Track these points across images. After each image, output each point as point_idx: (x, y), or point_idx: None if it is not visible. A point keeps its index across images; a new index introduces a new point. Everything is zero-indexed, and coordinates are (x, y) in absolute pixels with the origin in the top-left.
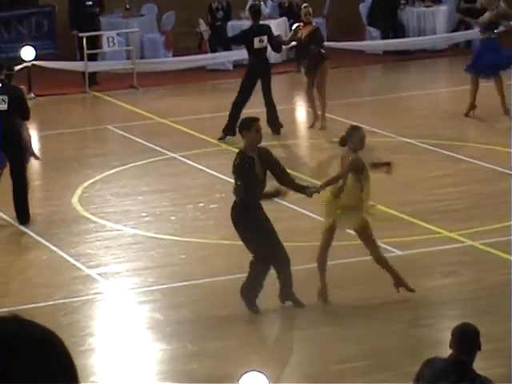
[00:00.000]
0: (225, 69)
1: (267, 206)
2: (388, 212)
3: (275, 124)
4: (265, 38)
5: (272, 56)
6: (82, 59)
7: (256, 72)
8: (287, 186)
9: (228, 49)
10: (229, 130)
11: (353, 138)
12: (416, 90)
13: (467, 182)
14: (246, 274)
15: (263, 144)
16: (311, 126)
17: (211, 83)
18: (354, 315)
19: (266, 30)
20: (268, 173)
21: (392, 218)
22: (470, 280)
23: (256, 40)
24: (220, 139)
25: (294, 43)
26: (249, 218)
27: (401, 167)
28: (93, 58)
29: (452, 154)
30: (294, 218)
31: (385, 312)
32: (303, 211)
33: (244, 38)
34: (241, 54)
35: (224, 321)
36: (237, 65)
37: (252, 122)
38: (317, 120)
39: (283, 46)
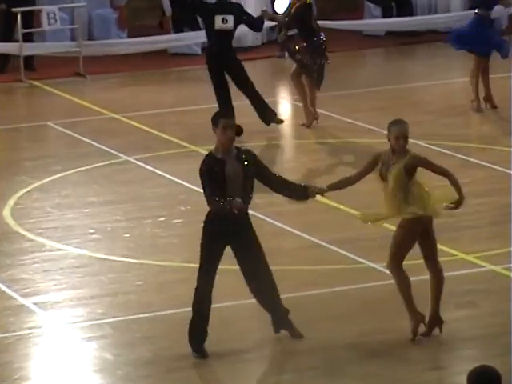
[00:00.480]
0: (191, 53)
1: None
2: (388, 229)
3: (266, 115)
4: (230, 17)
5: (249, 38)
6: (15, 40)
7: (217, 62)
8: (285, 193)
9: (195, 28)
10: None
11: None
12: (425, 79)
13: (487, 193)
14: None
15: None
16: (308, 126)
17: (175, 70)
18: (352, 355)
19: (234, 7)
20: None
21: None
22: (490, 312)
23: (218, 19)
24: None
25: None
26: (204, 231)
27: None
28: (29, 38)
29: (468, 159)
30: (274, 235)
31: (389, 352)
32: (285, 227)
33: (200, 14)
34: None
35: (189, 361)
36: (205, 48)
37: (220, 117)
38: (311, 115)
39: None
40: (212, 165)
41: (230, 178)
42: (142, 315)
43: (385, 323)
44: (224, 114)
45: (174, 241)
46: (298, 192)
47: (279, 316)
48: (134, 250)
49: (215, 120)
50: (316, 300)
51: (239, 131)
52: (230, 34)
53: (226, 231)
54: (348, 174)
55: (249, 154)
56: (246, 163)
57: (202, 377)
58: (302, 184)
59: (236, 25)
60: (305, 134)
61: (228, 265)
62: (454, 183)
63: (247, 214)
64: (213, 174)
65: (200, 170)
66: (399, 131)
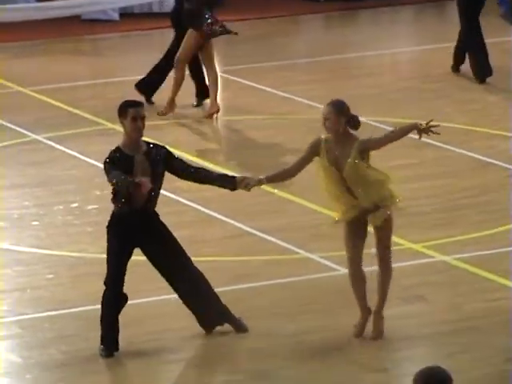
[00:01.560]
0: (108, 19)
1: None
2: (331, 216)
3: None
4: None
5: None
6: None
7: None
8: (207, 182)
9: None
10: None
11: None
12: (369, 49)
13: (437, 176)
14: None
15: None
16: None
17: (89, 38)
18: (289, 356)
19: None
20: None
21: (335, 225)
22: (441, 308)
23: None
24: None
25: None
26: (109, 236)
27: None
28: None
29: (416, 137)
30: (200, 222)
31: (329, 352)
32: (212, 213)
33: None
34: None
35: (105, 363)
36: (124, 14)
37: (128, 106)
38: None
39: None
40: (116, 159)
41: (137, 175)
42: (54, 312)
43: (324, 319)
44: (132, 102)
45: (88, 229)
46: (224, 181)
47: (219, 310)
48: (44, 239)
49: (120, 110)
50: (249, 295)
51: None
52: None
53: (134, 233)
54: (288, 155)
55: (161, 150)
56: (156, 161)
57: (118, 380)
58: (227, 175)
59: None
60: (233, 110)
61: (141, 255)
62: (400, 131)
63: (155, 212)
64: (111, 168)
65: (104, 163)
66: (323, 112)
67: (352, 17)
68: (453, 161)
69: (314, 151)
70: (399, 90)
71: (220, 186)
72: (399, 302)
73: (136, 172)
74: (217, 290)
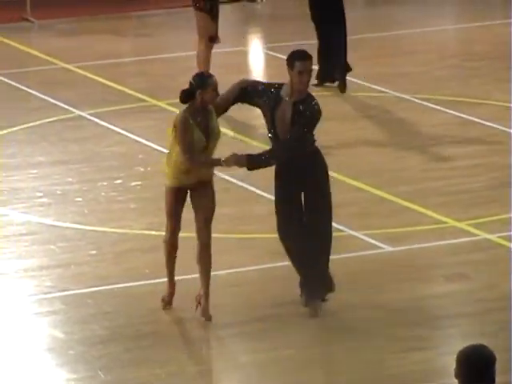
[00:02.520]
0: None
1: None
2: (375, 194)
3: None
4: None
5: None
6: None
7: None
8: None
9: None
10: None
11: None
12: (414, 26)
13: (483, 154)
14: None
15: None
16: None
17: (134, 15)
18: (328, 335)
19: None
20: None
21: (380, 202)
22: (483, 286)
23: None
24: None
25: None
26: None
27: (392, 132)
28: None
29: (462, 115)
30: (245, 200)
31: (368, 329)
32: (255, 190)
33: None
34: None
35: (149, 340)
36: None
37: (296, 59)
38: None
39: None
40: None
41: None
42: (96, 288)
43: (368, 297)
44: (301, 55)
45: (131, 206)
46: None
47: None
48: (87, 215)
49: (290, 61)
50: (292, 272)
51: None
52: None
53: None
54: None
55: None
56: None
57: (161, 356)
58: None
59: None
60: None
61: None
62: None
63: (316, 152)
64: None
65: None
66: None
67: None
68: (496, 138)
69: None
70: (444, 67)
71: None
72: (442, 280)
73: (277, 114)
74: (258, 267)
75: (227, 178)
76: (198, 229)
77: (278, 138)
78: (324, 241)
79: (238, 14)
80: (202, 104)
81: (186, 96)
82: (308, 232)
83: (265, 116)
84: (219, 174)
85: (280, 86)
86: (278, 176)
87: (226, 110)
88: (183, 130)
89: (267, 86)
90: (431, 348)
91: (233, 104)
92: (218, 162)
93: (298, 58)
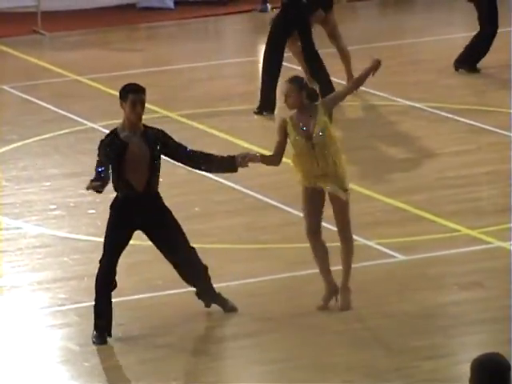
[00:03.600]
0: (163, 7)
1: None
2: (387, 203)
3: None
4: None
5: None
6: None
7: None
8: (205, 167)
9: None
10: (264, 103)
11: None
12: (425, 35)
13: (495, 161)
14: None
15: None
16: None
17: (144, 27)
18: (342, 344)
19: None
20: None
21: (392, 211)
22: (496, 294)
23: None
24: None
25: None
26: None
27: (404, 141)
28: None
29: (475, 123)
30: (257, 210)
31: (381, 338)
32: (269, 201)
33: None
34: None
35: (163, 352)
36: (179, 2)
37: (129, 91)
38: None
39: None
40: (108, 143)
41: (134, 159)
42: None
43: (381, 306)
44: (134, 88)
45: None
46: (224, 163)
47: (207, 289)
48: (100, 227)
49: (123, 94)
50: (305, 282)
51: None
52: None
53: (133, 216)
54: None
55: (157, 132)
56: (153, 144)
57: (177, 368)
58: (227, 155)
59: None
60: None
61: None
62: (357, 80)
63: (157, 194)
64: (103, 151)
65: (100, 142)
66: (284, 90)
67: (408, 3)
68: (508, 146)
69: (283, 132)
70: (454, 75)
71: (220, 171)
72: (456, 288)
73: (129, 156)
74: (272, 277)
75: (240, 188)
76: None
77: (133, 178)
78: None
79: (248, 24)
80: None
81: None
82: None
83: (113, 166)
84: (233, 184)
85: (111, 133)
86: None
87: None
88: None
89: (101, 143)
90: (445, 356)
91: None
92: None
93: (129, 90)
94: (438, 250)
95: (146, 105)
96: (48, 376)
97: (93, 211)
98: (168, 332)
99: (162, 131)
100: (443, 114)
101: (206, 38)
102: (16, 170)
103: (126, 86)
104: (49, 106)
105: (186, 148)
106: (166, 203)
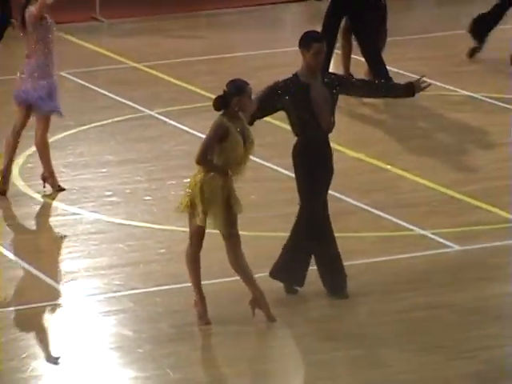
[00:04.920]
0: None
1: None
2: (444, 193)
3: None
4: None
5: None
6: None
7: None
8: (388, 92)
9: None
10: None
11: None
12: None
13: None
14: None
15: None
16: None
17: (203, 14)
18: (397, 334)
19: None
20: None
21: (448, 201)
22: None
23: None
24: None
25: None
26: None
27: (462, 131)
28: None
29: None
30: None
31: (435, 328)
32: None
33: None
34: None
35: (218, 339)
36: None
37: (313, 40)
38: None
39: None
40: (295, 87)
41: (317, 101)
42: (165, 287)
43: (437, 296)
44: (317, 36)
45: None
46: (402, 89)
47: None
48: (156, 214)
49: (307, 42)
50: (362, 271)
51: None
52: None
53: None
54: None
55: (333, 77)
56: (333, 88)
57: (229, 355)
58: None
59: None
60: None
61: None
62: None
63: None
64: (297, 97)
65: (275, 82)
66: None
67: None
68: None
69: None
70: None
71: (398, 95)
72: (511, 279)
73: (314, 98)
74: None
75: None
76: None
77: (316, 123)
78: None
79: (303, 13)
80: (237, 111)
81: (221, 103)
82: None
83: (292, 113)
84: (290, 173)
85: (293, 77)
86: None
87: (251, 123)
88: (215, 130)
89: (281, 86)
90: (500, 347)
91: (261, 118)
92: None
93: (313, 39)
94: (495, 241)
95: (204, 92)
96: (102, 362)
97: (149, 198)
98: (222, 319)
99: (335, 75)
100: (501, 104)
101: (264, 27)
102: (73, 156)
103: (308, 33)
104: (106, 92)
105: (362, 80)
106: None
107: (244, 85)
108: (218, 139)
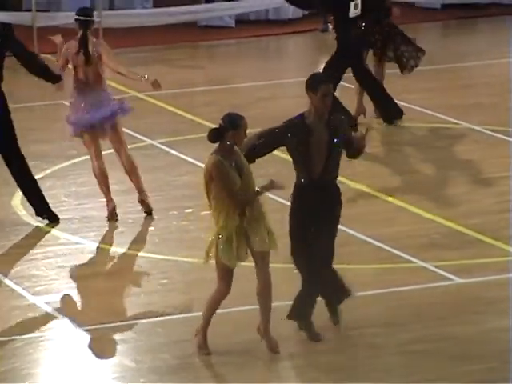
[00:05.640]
0: (224, 25)
1: None
2: (446, 225)
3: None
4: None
5: (290, 10)
6: (27, 9)
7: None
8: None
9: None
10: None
11: None
12: (487, 57)
13: None
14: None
15: None
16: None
17: (205, 45)
18: (399, 367)
19: None
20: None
21: (450, 234)
22: None
23: (352, 5)
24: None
25: None
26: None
27: (464, 163)
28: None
29: None
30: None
31: (437, 361)
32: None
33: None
34: (248, 5)
35: (221, 370)
36: (241, 21)
37: (320, 82)
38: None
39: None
40: (297, 127)
41: (313, 149)
42: (167, 317)
43: (437, 329)
44: (324, 78)
45: (202, 235)
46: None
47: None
48: (158, 244)
49: (313, 85)
50: (362, 303)
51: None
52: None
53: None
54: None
55: (339, 118)
56: (333, 131)
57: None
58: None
59: None
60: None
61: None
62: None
63: (335, 185)
64: (297, 139)
65: (284, 123)
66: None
67: (471, 25)
68: None
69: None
70: None
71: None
72: None
73: (312, 143)
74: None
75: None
76: (257, 268)
77: (311, 164)
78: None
79: (310, 44)
80: (232, 145)
81: (216, 136)
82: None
83: (294, 152)
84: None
85: (298, 117)
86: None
87: (254, 160)
88: (221, 173)
89: (284, 126)
90: (501, 381)
91: (261, 156)
92: (257, 193)
93: (320, 81)
94: (496, 274)
95: (207, 123)
96: None
97: (151, 228)
98: (225, 350)
99: (343, 122)
100: (502, 136)
101: (267, 57)
102: (75, 185)
103: (315, 75)
104: None
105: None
106: None
107: (239, 119)
108: (227, 176)
